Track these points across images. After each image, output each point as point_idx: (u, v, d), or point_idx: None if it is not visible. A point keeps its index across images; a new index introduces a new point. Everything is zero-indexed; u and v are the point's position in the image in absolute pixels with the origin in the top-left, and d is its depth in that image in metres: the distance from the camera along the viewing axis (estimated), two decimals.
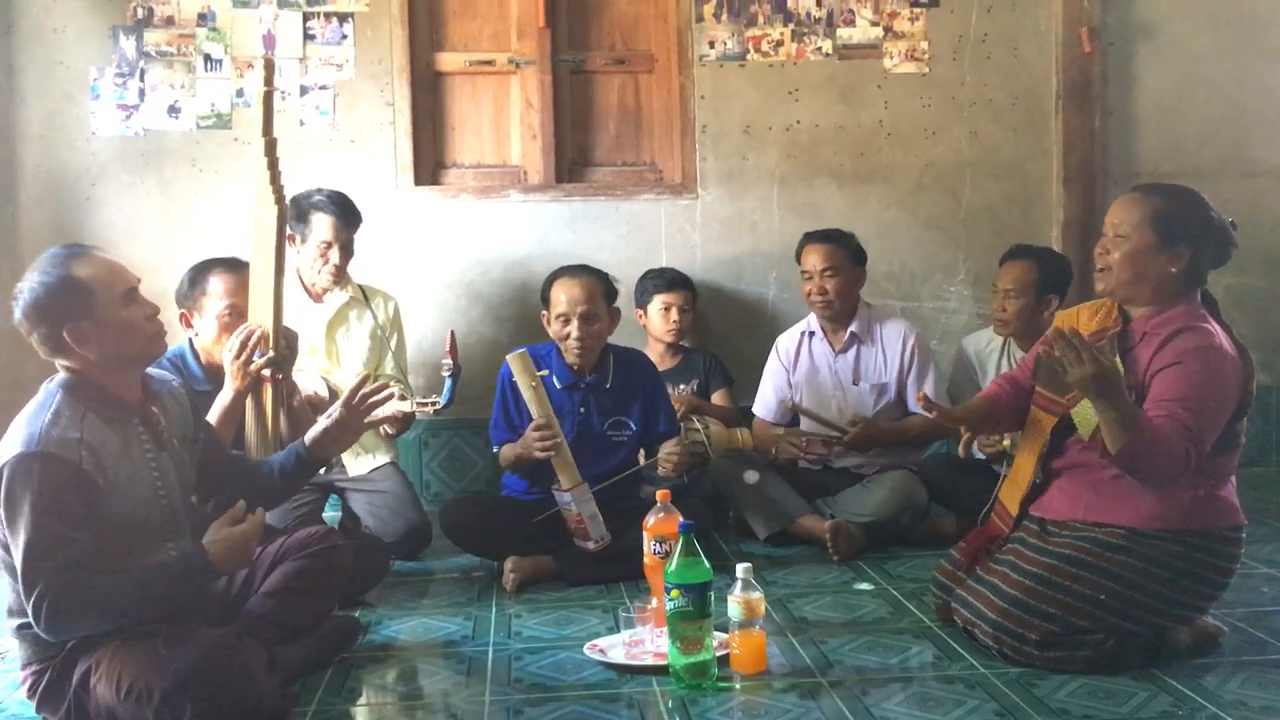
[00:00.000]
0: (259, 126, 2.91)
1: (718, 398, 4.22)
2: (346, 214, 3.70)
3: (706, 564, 2.45)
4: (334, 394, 3.43)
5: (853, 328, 3.86)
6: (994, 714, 2.30)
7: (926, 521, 3.70)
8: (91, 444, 2.24)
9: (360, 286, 3.83)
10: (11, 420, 2.28)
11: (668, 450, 3.37)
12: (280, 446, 2.88)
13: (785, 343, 3.99)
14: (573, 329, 3.41)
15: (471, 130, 4.57)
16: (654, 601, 2.72)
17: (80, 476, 2.20)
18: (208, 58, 4.34)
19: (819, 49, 4.54)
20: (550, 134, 4.50)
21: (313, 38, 4.38)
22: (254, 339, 2.89)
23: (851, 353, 3.87)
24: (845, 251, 3.83)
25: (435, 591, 3.32)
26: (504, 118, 4.57)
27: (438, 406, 3.38)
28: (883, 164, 4.58)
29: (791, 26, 4.53)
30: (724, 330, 4.55)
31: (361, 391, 2.73)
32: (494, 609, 3.10)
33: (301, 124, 4.36)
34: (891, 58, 4.56)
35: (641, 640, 2.64)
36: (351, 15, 4.38)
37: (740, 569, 2.54)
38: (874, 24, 4.56)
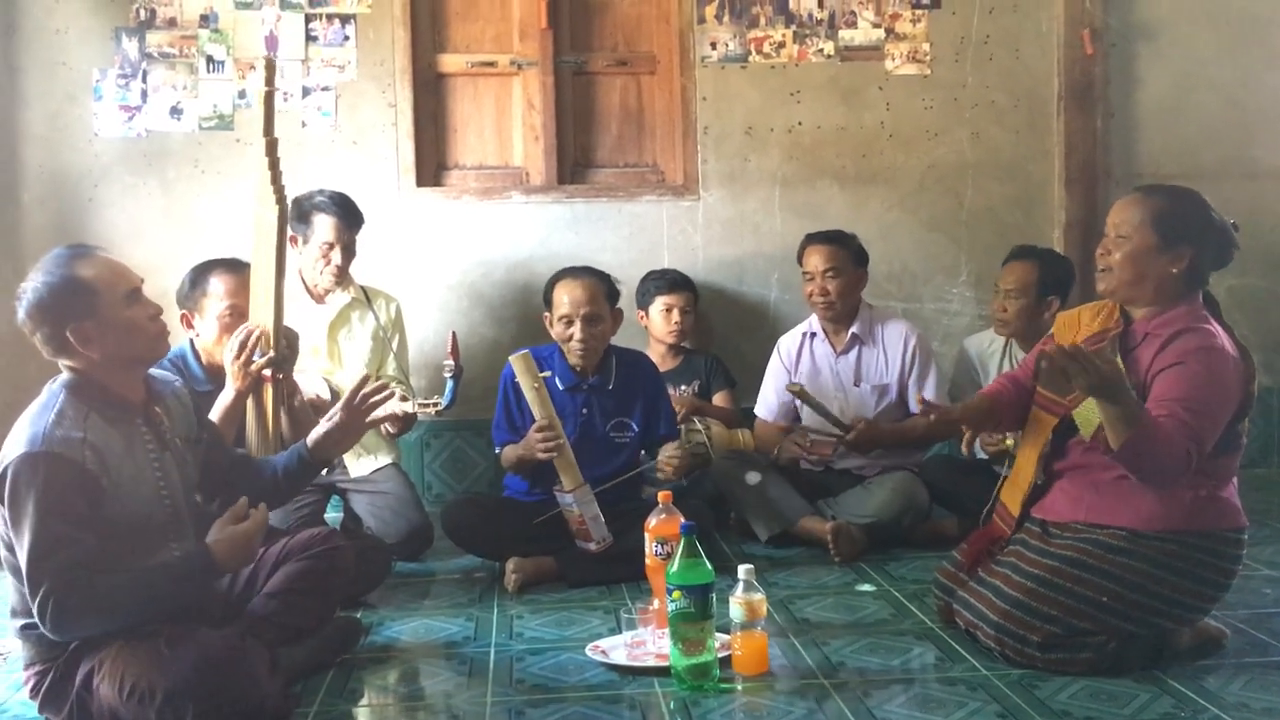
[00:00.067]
0: (260, 127, 2.91)
1: (719, 399, 4.22)
2: (348, 215, 3.70)
3: (708, 565, 2.45)
4: (336, 395, 3.42)
5: (854, 329, 3.86)
6: (996, 716, 2.30)
7: (928, 523, 3.70)
8: (95, 444, 2.24)
9: (362, 288, 3.83)
10: (15, 421, 2.28)
11: (667, 454, 3.37)
12: (281, 446, 2.88)
13: (787, 344, 3.99)
14: (575, 330, 3.41)
15: (473, 131, 4.57)
16: (656, 603, 2.72)
17: (84, 476, 2.21)
18: (210, 59, 4.34)
19: (821, 50, 4.54)
20: (552, 135, 4.50)
21: (315, 39, 4.38)
22: (254, 339, 2.89)
23: (853, 354, 3.87)
24: (847, 253, 3.83)
25: (437, 592, 3.32)
26: (506, 119, 4.57)
27: (439, 407, 3.39)
28: (884, 165, 4.58)
29: (793, 28, 4.53)
30: (726, 332, 4.55)
31: (362, 392, 2.73)
32: (496, 610, 3.10)
33: (303, 125, 4.37)
34: (893, 59, 4.56)
35: (643, 641, 2.64)
36: (354, 17, 4.39)
37: (742, 570, 2.53)
38: (876, 26, 4.55)
